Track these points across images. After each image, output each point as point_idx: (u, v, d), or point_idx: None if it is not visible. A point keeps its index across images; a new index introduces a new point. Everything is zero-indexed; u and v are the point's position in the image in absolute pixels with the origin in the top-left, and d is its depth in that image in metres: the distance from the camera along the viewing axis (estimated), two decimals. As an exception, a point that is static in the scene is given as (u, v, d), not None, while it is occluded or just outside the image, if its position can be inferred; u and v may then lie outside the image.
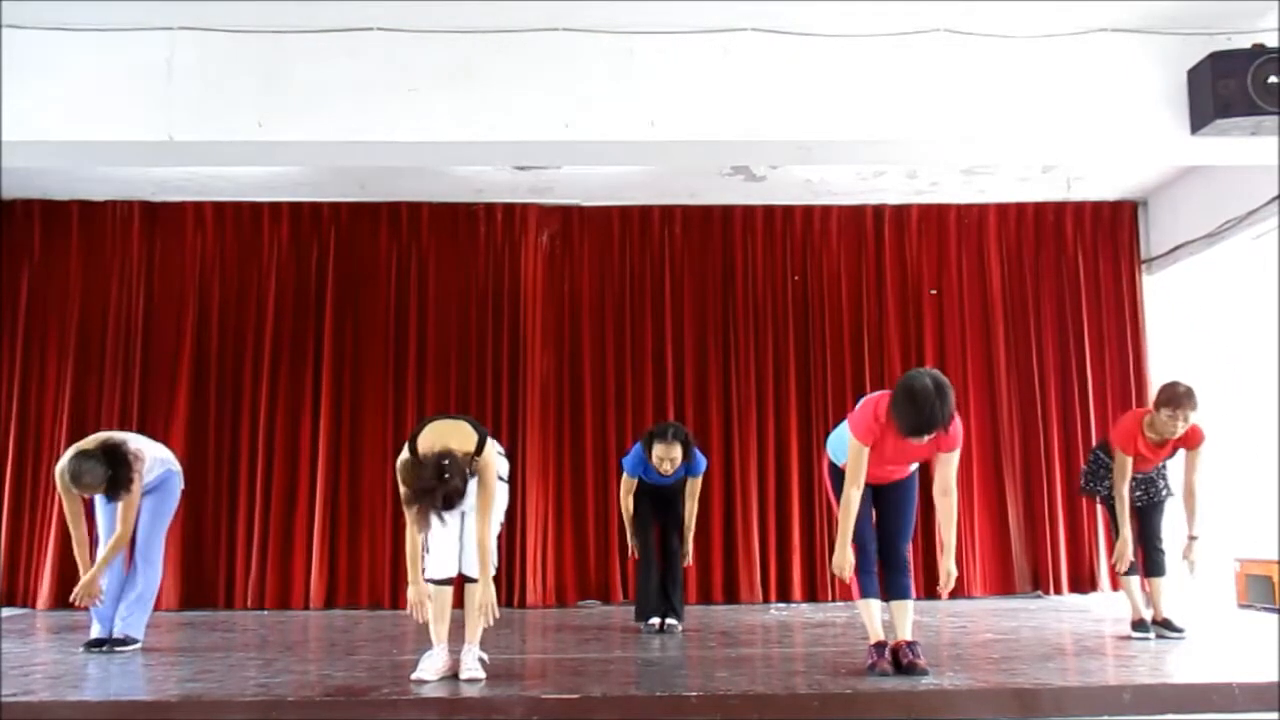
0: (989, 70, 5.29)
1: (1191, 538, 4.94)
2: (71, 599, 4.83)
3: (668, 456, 5.27)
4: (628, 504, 5.59)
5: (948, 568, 4.03)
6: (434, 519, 3.76)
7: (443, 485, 3.67)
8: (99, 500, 4.96)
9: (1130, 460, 4.97)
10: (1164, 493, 5.17)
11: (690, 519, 5.53)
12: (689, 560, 5.60)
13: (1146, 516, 5.11)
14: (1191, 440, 4.93)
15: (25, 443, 7.00)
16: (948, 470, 4.05)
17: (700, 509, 6.48)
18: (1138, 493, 5.07)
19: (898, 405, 3.79)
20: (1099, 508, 7.11)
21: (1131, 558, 4.97)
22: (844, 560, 4.00)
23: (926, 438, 3.83)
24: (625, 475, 5.57)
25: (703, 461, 5.51)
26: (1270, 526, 6.15)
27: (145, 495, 4.95)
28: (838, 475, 4.20)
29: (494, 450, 4.00)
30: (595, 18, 5.15)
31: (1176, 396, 4.84)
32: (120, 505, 4.78)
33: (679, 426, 5.49)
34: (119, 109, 5.09)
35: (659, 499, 5.55)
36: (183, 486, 5.21)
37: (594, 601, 7.04)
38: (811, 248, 7.55)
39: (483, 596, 3.91)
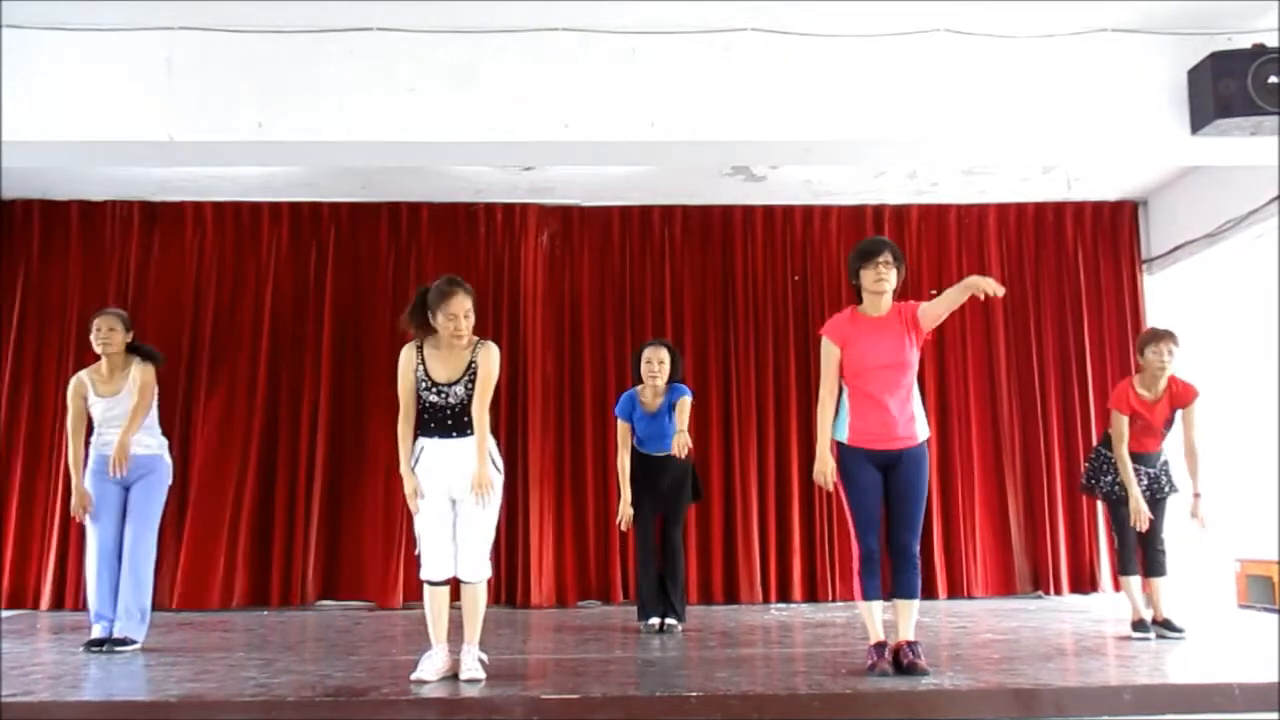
0: (989, 70, 5.29)
1: (1196, 495, 4.95)
2: (72, 513, 5.02)
3: (655, 358, 5.45)
4: (623, 460, 5.57)
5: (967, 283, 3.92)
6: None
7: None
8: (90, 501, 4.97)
9: (1126, 420, 5.05)
10: (1167, 489, 5.14)
11: (682, 426, 5.38)
12: (688, 445, 5.33)
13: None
14: (1185, 397, 5.03)
15: (23, 442, 6.99)
16: (930, 314, 4.08)
17: (701, 509, 6.48)
18: (1143, 484, 5.04)
19: (852, 253, 4.20)
20: (1099, 508, 7.16)
21: (1149, 515, 4.94)
22: (824, 467, 4.08)
23: (885, 264, 4.04)
24: (619, 422, 5.62)
25: (687, 388, 5.55)
26: (1270, 526, 6.15)
27: (133, 484, 4.95)
28: (841, 449, 4.13)
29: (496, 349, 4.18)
30: (595, 18, 5.16)
31: (1156, 333, 5.13)
32: (140, 375, 4.99)
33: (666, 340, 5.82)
34: (119, 109, 5.10)
35: (658, 494, 5.51)
36: (169, 482, 5.15)
37: (594, 601, 7.04)
38: (811, 248, 7.55)
39: (479, 474, 3.97)
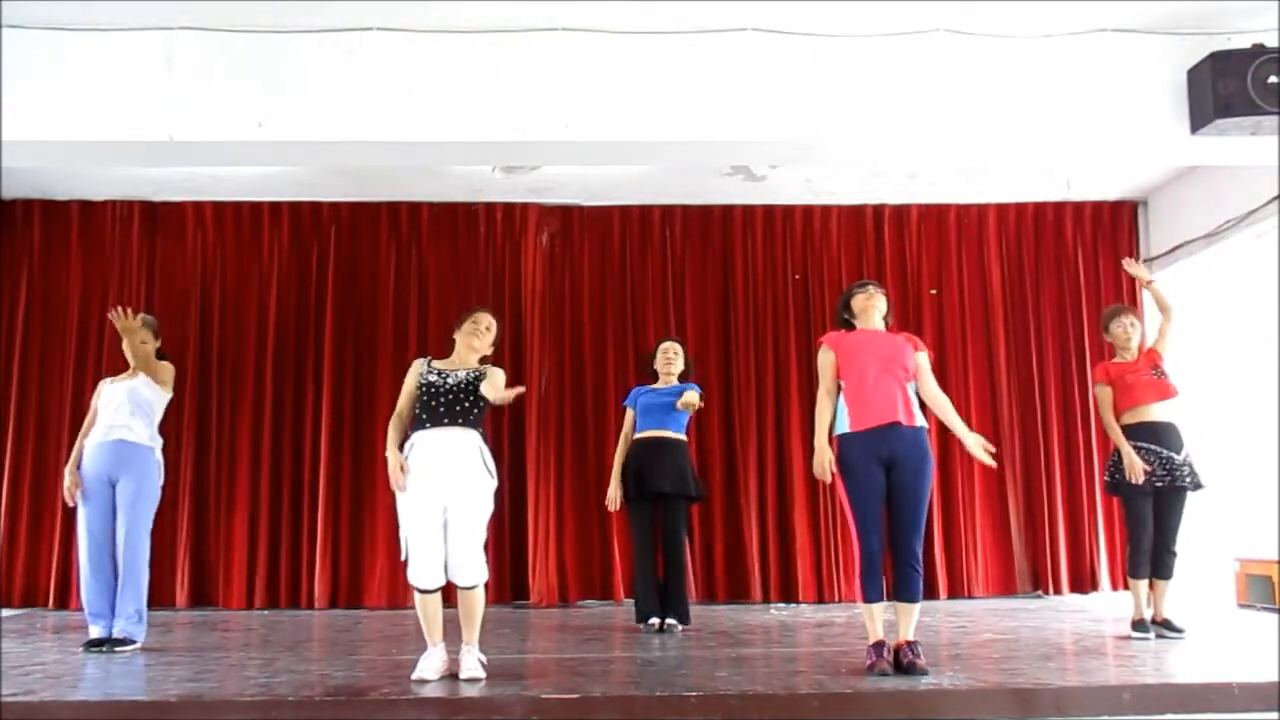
0: (989, 70, 5.29)
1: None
2: (64, 496, 5.05)
3: (671, 349, 5.77)
4: (621, 451, 5.65)
5: (969, 440, 4.18)
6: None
7: None
8: (79, 507, 4.97)
9: (1109, 390, 5.17)
10: (1187, 479, 4.99)
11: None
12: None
13: (1165, 510, 5.00)
14: (1155, 350, 5.26)
15: (25, 443, 7.00)
16: (927, 379, 4.27)
17: (701, 508, 6.47)
18: (1159, 472, 4.96)
19: (841, 296, 4.47)
20: (1099, 508, 7.17)
21: (1145, 468, 4.92)
22: (823, 458, 4.13)
23: (874, 291, 4.30)
24: (626, 413, 5.76)
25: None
26: (1270, 526, 6.15)
27: (120, 480, 4.93)
28: (843, 443, 4.13)
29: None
30: (595, 18, 5.15)
31: (1117, 308, 5.45)
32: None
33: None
34: (119, 109, 5.09)
35: (658, 484, 5.46)
36: (160, 481, 5.12)
37: (595, 601, 7.05)
38: (811, 248, 7.55)
39: (500, 391, 4.09)
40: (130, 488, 4.94)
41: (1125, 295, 7.51)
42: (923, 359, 4.27)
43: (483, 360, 4.31)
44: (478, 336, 4.28)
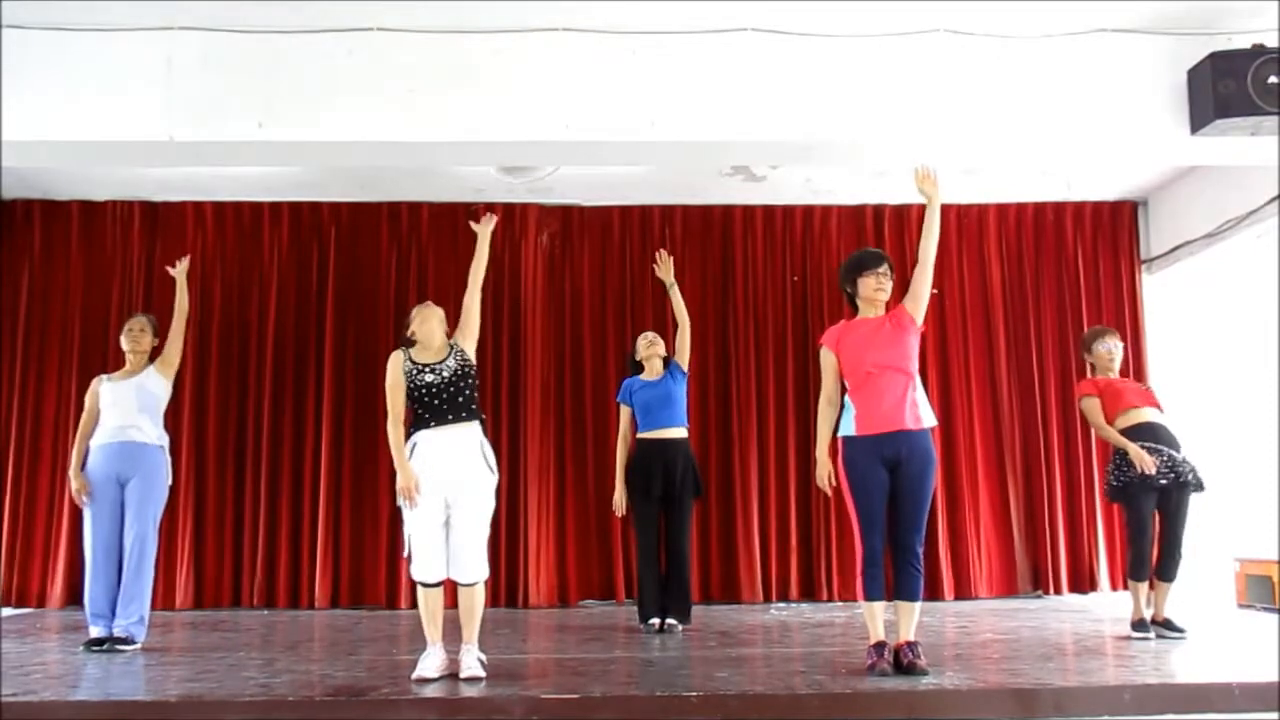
0: (989, 70, 5.29)
1: None
2: (74, 497, 5.01)
3: (650, 334, 5.81)
4: (622, 453, 5.64)
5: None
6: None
7: None
8: (85, 507, 4.97)
9: (1097, 400, 5.19)
10: (1189, 475, 4.96)
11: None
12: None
13: (1172, 510, 4.98)
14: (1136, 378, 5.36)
15: (27, 443, 7.00)
16: (918, 284, 4.25)
17: (699, 509, 6.47)
18: (1164, 469, 4.94)
19: (848, 263, 4.33)
20: (1098, 509, 7.17)
21: (1153, 461, 4.90)
22: (823, 474, 4.15)
23: (884, 275, 4.18)
24: (621, 409, 5.74)
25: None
26: (1270, 526, 6.15)
27: (130, 481, 4.93)
28: (848, 444, 4.11)
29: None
30: (595, 18, 5.16)
31: (1096, 330, 5.51)
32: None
33: None
34: (119, 109, 5.10)
35: (663, 484, 5.47)
36: (169, 481, 5.13)
37: (595, 601, 7.05)
38: (811, 248, 7.55)
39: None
40: (140, 488, 4.94)
41: (1125, 295, 7.52)
42: (906, 303, 4.21)
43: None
44: (432, 321, 4.29)
